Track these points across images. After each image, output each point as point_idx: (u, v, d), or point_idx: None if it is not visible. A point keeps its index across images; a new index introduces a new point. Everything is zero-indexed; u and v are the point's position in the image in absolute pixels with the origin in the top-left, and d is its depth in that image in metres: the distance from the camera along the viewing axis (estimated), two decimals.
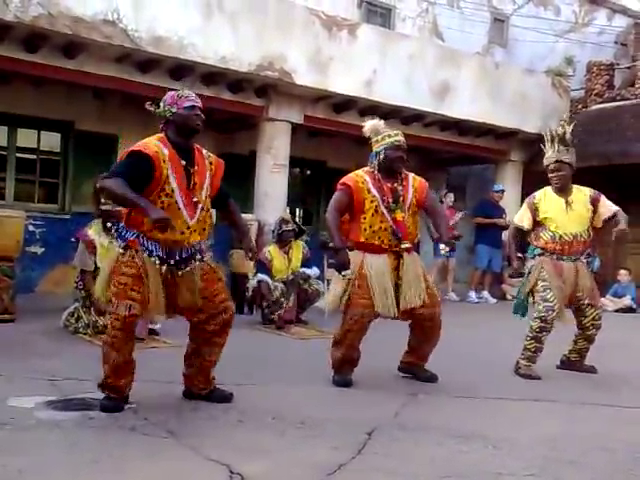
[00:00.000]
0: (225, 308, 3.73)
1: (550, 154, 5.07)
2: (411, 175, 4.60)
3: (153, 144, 3.53)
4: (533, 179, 11.98)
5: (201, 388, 3.82)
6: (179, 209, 3.52)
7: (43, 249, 8.84)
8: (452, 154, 12.10)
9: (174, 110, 3.58)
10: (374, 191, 4.39)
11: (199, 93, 9.14)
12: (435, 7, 12.46)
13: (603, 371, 5.25)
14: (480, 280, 10.96)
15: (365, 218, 4.39)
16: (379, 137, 4.49)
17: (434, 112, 10.25)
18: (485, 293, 10.94)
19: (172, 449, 3.03)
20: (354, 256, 4.40)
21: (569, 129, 5.05)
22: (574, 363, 5.29)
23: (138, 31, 7.68)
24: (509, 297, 10.99)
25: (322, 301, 7.55)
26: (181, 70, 8.38)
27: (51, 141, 9.40)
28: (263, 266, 7.15)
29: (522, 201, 11.61)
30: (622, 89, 12.18)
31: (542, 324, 4.95)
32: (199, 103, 3.65)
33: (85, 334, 5.73)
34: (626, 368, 5.46)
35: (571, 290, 5.03)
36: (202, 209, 3.63)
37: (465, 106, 10.41)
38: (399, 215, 4.40)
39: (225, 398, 3.82)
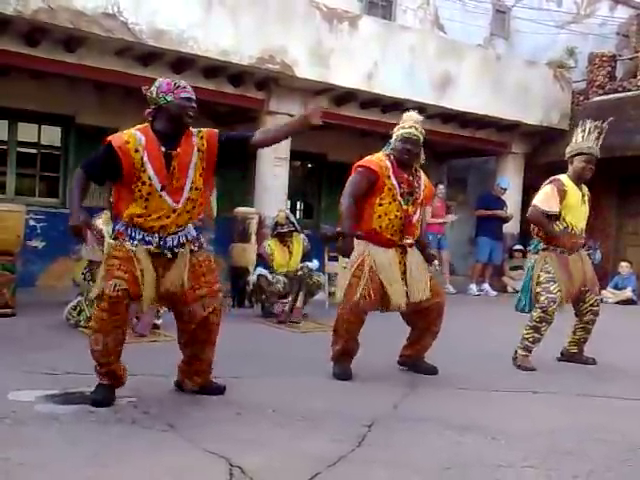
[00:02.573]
0: (204, 304, 3.63)
1: (586, 144, 4.98)
2: (423, 174, 4.58)
3: (127, 133, 3.51)
4: (534, 171, 12.00)
5: (193, 384, 3.80)
6: (160, 196, 3.49)
7: (44, 243, 8.86)
8: (453, 146, 12.09)
9: (169, 99, 3.52)
10: (393, 179, 4.35)
11: (200, 86, 9.19)
12: None
13: (603, 363, 5.26)
14: (481, 272, 10.97)
15: (381, 205, 4.33)
16: (397, 127, 4.46)
17: (435, 104, 10.23)
18: (486, 285, 10.94)
19: (172, 442, 3.04)
20: (357, 246, 4.37)
21: (605, 127, 5.04)
22: (574, 355, 5.30)
23: (138, 24, 7.67)
24: (510, 289, 11.02)
25: (322, 293, 7.61)
26: (182, 63, 8.37)
27: (52, 135, 9.41)
28: (263, 260, 7.16)
29: (523, 193, 11.75)
30: (624, 80, 12.13)
31: (542, 314, 4.95)
32: (194, 96, 3.60)
33: (86, 328, 5.73)
34: (626, 360, 5.47)
35: (580, 283, 5.05)
36: (190, 189, 3.55)
37: (467, 98, 10.39)
38: (410, 209, 4.40)
39: (218, 390, 3.81)
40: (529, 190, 12.01)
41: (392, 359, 4.75)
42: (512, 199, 11.38)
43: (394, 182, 4.35)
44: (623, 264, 10.80)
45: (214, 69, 8.62)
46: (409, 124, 4.44)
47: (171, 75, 8.26)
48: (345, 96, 9.73)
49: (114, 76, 8.16)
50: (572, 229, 5.01)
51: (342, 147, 10.93)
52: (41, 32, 7.45)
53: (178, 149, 3.53)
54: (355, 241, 4.37)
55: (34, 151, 9.27)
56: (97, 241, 5.88)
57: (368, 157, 4.48)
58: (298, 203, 11.88)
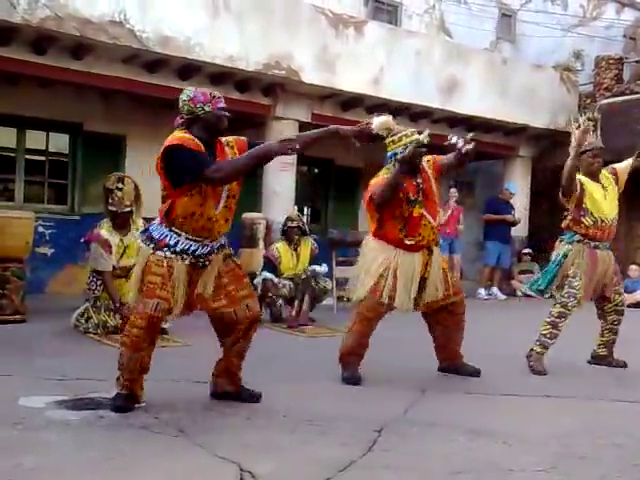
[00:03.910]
0: (248, 306, 3.71)
1: (594, 140, 5.10)
2: (425, 164, 4.58)
3: (190, 139, 3.50)
4: (542, 175, 11.98)
5: (227, 389, 3.81)
6: (206, 198, 3.52)
7: (53, 250, 8.89)
8: None
9: (207, 109, 3.57)
10: (405, 189, 4.42)
11: None
12: (442, 3, 12.43)
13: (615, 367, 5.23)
14: (489, 276, 10.94)
15: (399, 214, 4.40)
16: (399, 135, 4.46)
17: (442, 108, 10.23)
18: (494, 289, 10.91)
19: (183, 447, 3.03)
20: (384, 248, 4.43)
21: (598, 117, 5.18)
22: (604, 357, 5.31)
23: (145, 32, 7.70)
24: (518, 293, 10.97)
25: (330, 299, 7.60)
26: (188, 70, 8.40)
27: (60, 142, 9.45)
28: (270, 263, 7.16)
29: (531, 196, 11.70)
30: (631, 83, 12.11)
31: (562, 309, 4.99)
32: (224, 102, 3.69)
33: (95, 334, 5.76)
34: (637, 363, 5.43)
35: (602, 280, 5.09)
36: (227, 197, 3.61)
37: (473, 102, 10.38)
38: (416, 211, 4.44)
39: (253, 397, 3.81)
40: (537, 194, 12.05)
41: (401, 363, 4.74)
42: (520, 203, 11.35)
43: (406, 191, 4.42)
44: (633, 267, 10.74)
45: (220, 75, 8.65)
46: (410, 131, 4.49)
47: (177, 82, 8.30)
48: (351, 101, 9.74)
49: (121, 83, 8.20)
50: (602, 221, 5.06)
51: (349, 152, 10.91)
52: (48, 40, 7.49)
53: (217, 158, 3.58)
54: (381, 244, 4.44)
55: (42, 158, 9.30)
56: (105, 251, 5.88)
57: (375, 178, 4.54)
58: (305, 208, 11.87)
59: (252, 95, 9.09)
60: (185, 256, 3.53)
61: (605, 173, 5.20)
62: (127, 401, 3.55)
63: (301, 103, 9.41)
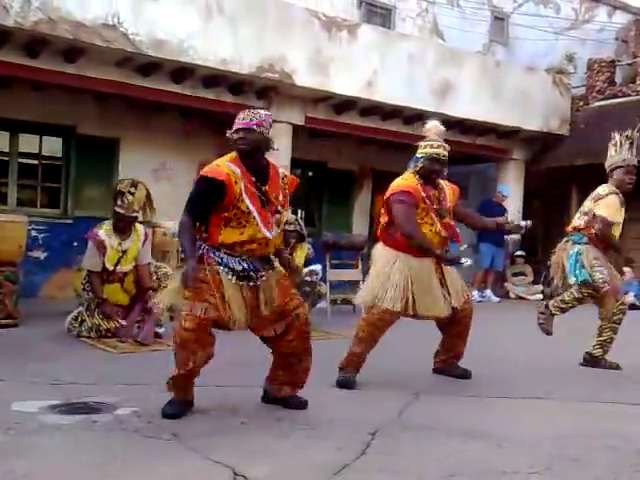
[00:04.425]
0: (298, 315, 3.74)
1: (627, 156, 5.21)
2: (444, 182, 4.67)
3: (224, 166, 3.57)
4: (535, 177, 12.01)
5: (284, 394, 3.84)
6: (257, 225, 3.58)
7: (46, 254, 8.86)
8: (454, 153, 12.03)
9: (229, 133, 3.66)
10: (426, 199, 4.46)
11: (200, 96, 9.18)
12: (435, 6, 12.46)
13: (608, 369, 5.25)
14: (483, 279, 10.96)
15: (420, 223, 4.42)
16: (423, 144, 4.54)
17: (435, 111, 10.20)
18: (488, 292, 10.93)
19: (176, 451, 3.03)
20: (387, 254, 4.44)
21: (636, 135, 5.28)
22: (598, 359, 5.31)
23: (138, 35, 7.69)
24: (512, 295, 11.00)
25: (324, 302, 7.60)
26: (182, 73, 8.39)
27: (53, 146, 9.41)
28: None
29: (524, 199, 11.73)
30: (623, 86, 12.16)
31: (606, 285, 5.14)
32: (245, 123, 3.61)
33: (88, 338, 5.74)
34: (632, 366, 5.44)
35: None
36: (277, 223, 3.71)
37: (466, 105, 10.40)
38: (448, 219, 4.52)
39: (301, 404, 3.82)
40: (530, 196, 12.08)
41: (395, 366, 4.75)
42: (513, 205, 11.38)
43: (427, 202, 4.46)
44: (625, 269, 10.77)
45: (214, 78, 8.64)
46: (437, 143, 4.53)
47: (171, 85, 8.30)
48: (345, 104, 9.75)
49: (114, 86, 8.18)
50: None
51: (343, 155, 10.94)
52: (41, 43, 7.47)
53: (268, 183, 3.67)
54: (386, 250, 4.47)
55: (35, 162, 9.26)
56: (99, 252, 5.88)
57: (400, 180, 4.53)
58: (299, 211, 11.87)
59: (245, 98, 9.09)
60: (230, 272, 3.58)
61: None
62: (180, 407, 3.57)
63: (294, 106, 9.42)
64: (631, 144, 5.18)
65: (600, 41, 13.95)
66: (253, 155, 3.63)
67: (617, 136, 5.25)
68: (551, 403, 4.22)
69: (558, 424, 3.71)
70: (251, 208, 3.55)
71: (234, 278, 3.57)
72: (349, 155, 11.15)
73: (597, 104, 12.02)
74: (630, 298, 10.42)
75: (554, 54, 13.06)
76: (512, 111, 10.97)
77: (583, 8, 14.38)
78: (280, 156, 9.36)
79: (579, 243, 5.24)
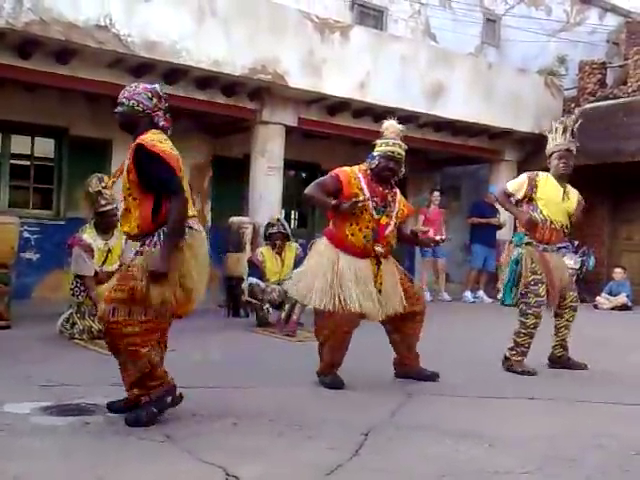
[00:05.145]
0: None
1: (560, 141, 5.21)
2: (399, 192, 4.66)
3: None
4: None
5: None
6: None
7: (38, 255, 8.84)
8: (446, 154, 12.12)
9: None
10: (366, 190, 4.41)
11: (192, 97, 9.19)
12: (427, 8, 12.49)
13: (598, 368, 5.27)
14: (476, 280, 10.99)
15: (353, 214, 4.37)
16: (380, 142, 4.52)
17: (428, 113, 10.27)
18: (481, 292, 10.96)
19: (168, 453, 3.03)
20: (329, 252, 4.39)
21: (577, 123, 5.25)
22: (561, 358, 5.32)
23: (131, 36, 7.69)
24: None
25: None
26: (174, 74, 8.39)
27: (45, 147, 9.40)
28: (255, 268, 7.16)
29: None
30: (614, 87, 12.21)
31: (536, 320, 5.04)
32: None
33: (81, 339, 5.73)
34: (622, 366, 5.48)
35: (560, 283, 5.14)
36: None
37: (458, 106, 10.44)
38: (383, 220, 4.45)
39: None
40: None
41: (387, 367, 4.75)
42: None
43: (367, 193, 4.40)
44: (617, 270, 10.83)
45: (206, 80, 8.64)
46: (393, 141, 4.49)
47: (163, 86, 8.26)
48: (337, 105, 9.77)
49: (107, 87, 8.14)
50: (551, 222, 5.10)
51: (335, 156, 10.89)
52: (33, 44, 7.46)
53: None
54: (328, 246, 4.42)
55: (27, 163, 9.25)
56: (87, 255, 5.88)
57: (345, 167, 4.57)
58: (292, 212, 11.88)
59: (238, 99, 9.10)
60: None
61: (574, 190, 5.29)
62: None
63: (287, 107, 9.43)
64: (564, 130, 5.19)
65: (591, 43, 14.03)
66: (128, 129, 3.62)
67: (555, 124, 5.27)
68: (542, 403, 4.24)
69: (549, 424, 3.73)
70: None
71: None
72: (342, 156, 11.12)
73: (588, 106, 12.07)
74: (622, 299, 10.52)
75: (546, 56, 13.11)
76: (504, 112, 11.01)
77: (574, 10, 14.45)
78: (273, 157, 9.41)
79: (519, 245, 5.15)
